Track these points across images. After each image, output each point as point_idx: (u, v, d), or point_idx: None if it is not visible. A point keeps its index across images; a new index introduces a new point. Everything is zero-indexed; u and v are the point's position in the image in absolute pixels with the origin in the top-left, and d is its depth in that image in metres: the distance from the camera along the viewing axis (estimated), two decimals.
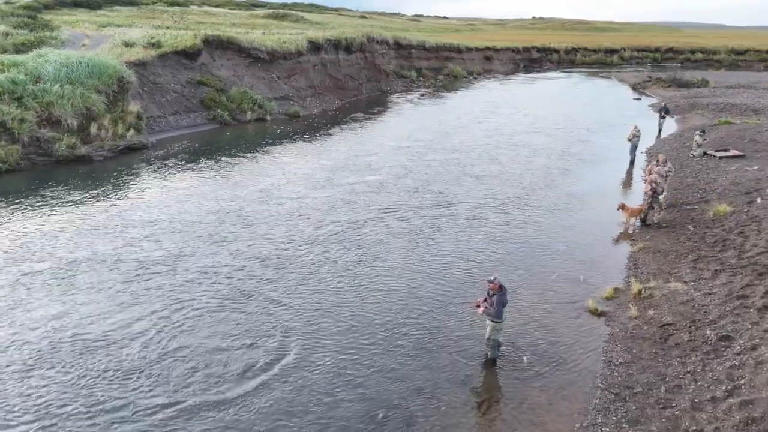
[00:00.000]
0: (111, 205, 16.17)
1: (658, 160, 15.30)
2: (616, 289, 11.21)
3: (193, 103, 28.69)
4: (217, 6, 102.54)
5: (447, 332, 9.87)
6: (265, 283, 11.55)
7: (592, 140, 26.53)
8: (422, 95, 43.74)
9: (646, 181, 14.81)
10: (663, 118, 28.81)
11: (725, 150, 21.25)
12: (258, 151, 23.42)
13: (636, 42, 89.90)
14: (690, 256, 12.30)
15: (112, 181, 18.72)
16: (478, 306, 8.91)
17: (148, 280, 11.55)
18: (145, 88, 26.80)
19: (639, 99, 42.76)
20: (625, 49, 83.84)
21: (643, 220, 14.86)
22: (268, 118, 30.72)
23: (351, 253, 13.13)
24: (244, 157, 22.36)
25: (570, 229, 14.85)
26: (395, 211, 16.05)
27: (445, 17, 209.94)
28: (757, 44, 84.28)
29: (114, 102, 23.67)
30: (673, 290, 10.65)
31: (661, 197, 14.69)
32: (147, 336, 9.49)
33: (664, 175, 14.76)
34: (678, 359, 8.63)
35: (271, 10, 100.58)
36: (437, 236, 14.23)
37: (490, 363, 9.02)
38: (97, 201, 16.51)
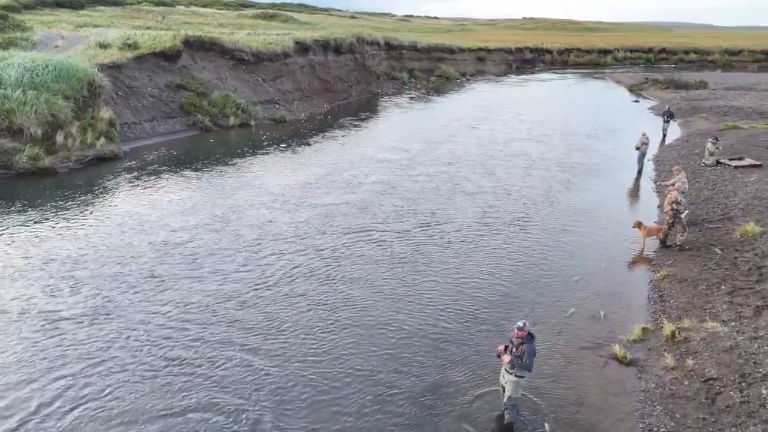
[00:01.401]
0: (47, 234, 13.69)
1: (672, 173, 13.86)
2: (644, 329, 9.71)
3: (172, 108, 26.96)
4: (204, 6, 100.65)
5: (446, 390, 8.32)
6: (207, 345, 9.20)
7: (594, 148, 24.96)
8: (413, 98, 42.19)
9: (668, 194, 13.32)
10: (667, 122, 27.54)
11: (740, 158, 19.90)
12: (235, 163, 21.45)
13: (629, 42, 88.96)
14: (723, 286, 10.84)
15: (68, 199, 16.41)
16: (502, 354, 7.38)
17: (52, 338, 9.25)
18: (119, 93, 25.05)
19: (637, 101, 41.52)
20: (618, 50, 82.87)
21: (662, 242, 13.41)
22: (253, 123, 29.04)
23: (322, 294, 11.02)
24: (219, 169, 20.40)
25: (580, 252, 13.35)
26: (377, 237, 14.02)
27: (435, 17, 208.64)
28: (750, 45, 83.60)
29: (84, 108, 21.91)
30: (712, 332, 9.17)
31: (683, 215, 13.23)
32: None
33: (674, 187, 13.31)
34: (732, 428, 7.15)
35: (259, 10, 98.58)
36: (426, 267, 12.38)
37: (507, 430, 7.50)
38: (37, 228, 14.10)
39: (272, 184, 18.55)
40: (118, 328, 9.68)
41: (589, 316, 10.41)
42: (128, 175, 19.23)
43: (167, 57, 28.30)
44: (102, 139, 21.25)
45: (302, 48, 37.45)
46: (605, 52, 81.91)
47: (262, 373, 8.56)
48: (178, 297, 10.78)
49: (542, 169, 20.93)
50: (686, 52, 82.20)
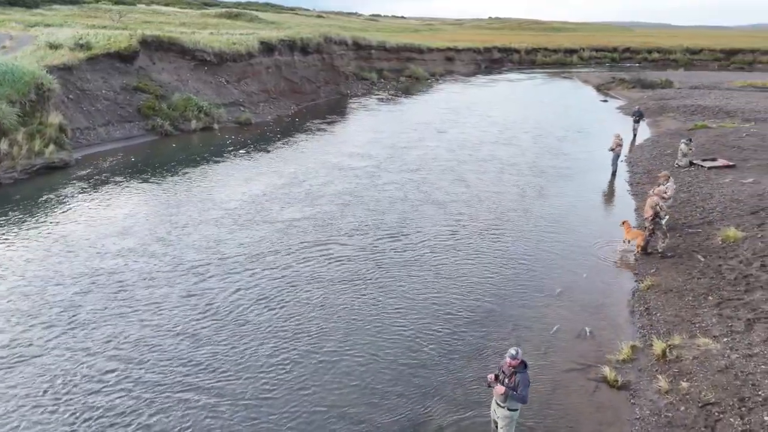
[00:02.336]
0: None
1: (659, 181, 13.44)
2: (633, 348, 9.15)
3: (128, 112, 25.56)
4: (167, 5, 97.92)
5: (427, 425, 7.57)
6: (142, 387, 8.03)
7: (565, 150, 24.39)
8: (382, 100, 41.45)
9: (649, 198, 12.87)
10: (637, 122, 27.49)
11: (713, 159, 19.76)
12: (191, 171, 19.91)
13: (594, 42, 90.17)
14: (710, 297, 10.39)
15: (1, 216, 15.00)
16: (493, 383, 6.65)
17: None
18: (70, 96, 23.58)
19: (606, 101, 41.67)
20: (584, 49, 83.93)
21: (643, 249, 12.95)
22: (216, 126, 27.83)
23: (277, 323, 9.86)
24: (173, 179, 18.95)
25: (559, 262, 12.78)
26: (338, 255, 12.76)
27: (403, 17, 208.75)
28: (710, 44, 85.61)
29: (31, 113, 20.47)
30: (705, 350, 8.66)
31: (663, 221, 12.80)
32: None
33: (667, 196, 12.88)
34: None
35: (224, 10, 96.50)
36: (395, 286, 11.41)
37: None
38: None
39: (227, 196, 17.04)
40: (29, 376, 8.39)
41: (574, 334, 9.80)
42: (76, 186, 17.89)
43: (123, 58, 26.84)
44: (51, 147, 19.87)
45: (268, 48, 36.28)
46: (571, 51, 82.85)
47: (210, 417, 7.63)
48: (105, 334, 9.45)
49: (514, 174, 20.22)
50: (649, 52, 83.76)
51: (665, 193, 13.20)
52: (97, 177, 18.97)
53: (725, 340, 8.91)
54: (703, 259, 12.03)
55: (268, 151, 23.59)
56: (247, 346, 9.23)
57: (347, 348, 9.27)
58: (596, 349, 9.33)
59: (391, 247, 13.45)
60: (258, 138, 26.19)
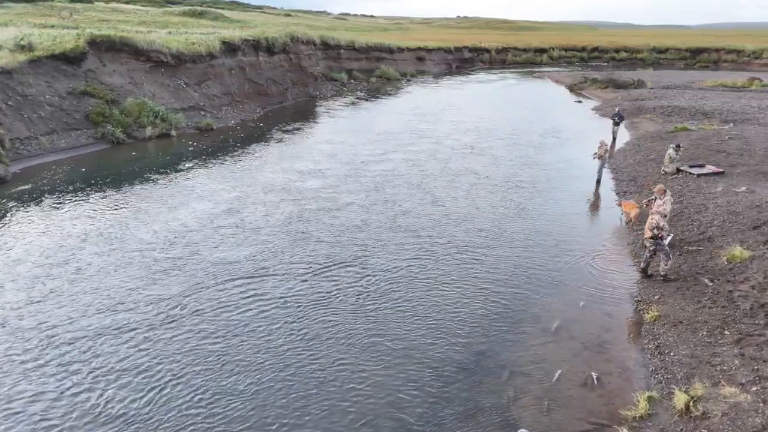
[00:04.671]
0: None
1: (654, 196, 12.28)
2: (650, 399, 7.87)
3: (75, 119, 23.44)
4: (127, 2, 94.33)
5: None
6: None
7: (544, 160, 22.48)
8: (351, 103, 39.92)
9: (650, 218, 11.69)
10: (617, 125, 26.62)
11: (701, 166, 18.84)
12: (124, 191, 17.50)
13: (563, 41, 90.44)
14: (727, 332, 9.22)
15: None
16: None
17: None
18: (9, 102, 21.40)
19: (580, 101, 41.00)
20: (553, 49, 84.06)
21: (643, 270, 11.79)
22: (174, 133, 25.88)
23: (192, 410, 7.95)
24: (103, 197, 16.84)
25: (552, 291, 11.48)
26: (282, 306, 10.42)
27: (372, 16, 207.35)
28: (676, 43, 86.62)
29: None
30: (734, 404, 7.44)
31: (666, 241, 11.65)
32: None
33: (666, 212, 11.72)
34: None
35: (187, 8, 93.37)
36: (360, 340, 9.51)
37: None
38: None
39: (152, 230, 14.19)
40: None
41: (579, 381, 8.49)
42: (8, 205, 15.89)
43: (69, 60, 24.65)
44: None
45: (230, 48, 34.33)
46: (541, 51, 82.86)
47: None
48: None
49: (490, 190, 18.12)
50: (617, 51, 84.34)
51: (662, 207, 12.05)
52: (33, 194, 16.98)
53: (754, 389, 7.71)
54: (710, 284, 10.90)
55: (222, 164, 21.21)
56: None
57: (307, 420, 7.76)
58: (607, 401, 8.04)
59: (351, 289, 11.25)
60: (217, 146, 24.29)
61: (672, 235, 12.47)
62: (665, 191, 12.39)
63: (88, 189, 17.66)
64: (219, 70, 32.91)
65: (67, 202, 16.38)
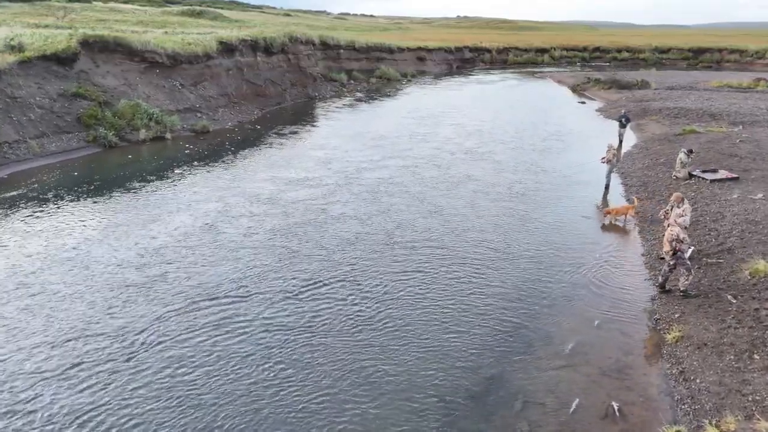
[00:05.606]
0: None
1: (671, 206, 11.58)
2: None
3: (67, 122, 22.74)
4: (125, 2, 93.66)
5: None
6: None
7: (549, 165, 21.41)
8: (350, 104, 39.24)
9: (668, 230, 11.00)
10: (623, 127, 25.84)
11: (713, 171, 18.17)
12: (111, 199, 16.58)
13: (564, 41, 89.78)
14: (757, 356, 8.53)
15: None
16: None
17: None
18: None
19: (583, 102, 40.30)
20: (555, 49, 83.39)
21: (661, 286, 11.11)
22: (169, 136, 25.18)
23: None
24: (87, 207, 15.85)
25: (564, 305, 10.83)
26: (272, 331, 9.54)
27: (372, 16, 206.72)
28: (679, 42, 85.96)
29: None
30: None
31: (687, 254, 10.96)
32: None
33: (687, 224, 11.03)
34: None
35: (186, 7, 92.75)
36: (359, 362, 8.92)
37: None
38: None
39: (127, 246, 12.98)
40: None
41: (599, 412, 7.81)
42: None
43: (61, 61, 23.95)
44: None
45: (227, 48, 33.63)
46: (542, 51, 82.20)
47: None
48: None
49: (493, 199, 17.15)
50: (618, 51, 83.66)
51: (681, 218, 11.37)
52: (18, 201, 16.26)
53: None
54: (734, 301, 10.22)
55: (216, 170, 20.20)
56: None
57: None
58: None
59: (344, 310, 10.32)
60: (212, 150, 23.54)
61: (693, 247, 11.81)
62: (683, 199, 11.73)
63: (72, 197, 16.83)
64: (216, 70, 32.22)
65: (49, 211, 15.64)
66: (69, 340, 9.28)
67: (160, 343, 9.27)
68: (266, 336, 9.53)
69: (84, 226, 14.45)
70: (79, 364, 8.69)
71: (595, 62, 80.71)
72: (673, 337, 9.43)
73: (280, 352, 9.08)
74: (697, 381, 8.29)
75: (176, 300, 10.68)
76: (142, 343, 9.25)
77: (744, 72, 60.42)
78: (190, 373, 8.52)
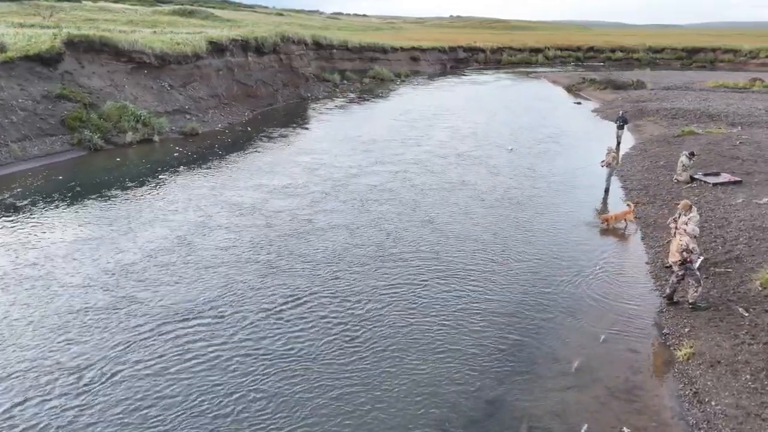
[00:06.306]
0: None
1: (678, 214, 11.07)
2: None
3: (50, 124, 22.02)
4: (115, 2, 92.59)
5: None
6: None
7: (544, 170, 20.66)
8: (343, 105, 38.64)
9: (678, 239, 10.48)
10: (621, 128, 25.41)
11: (716, 174, 17.74)
12: (89, 207, 15.73)
13: (558, 41, 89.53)
14: None
15: None
16: None
17: None
18: None
19: (579, 103, 39.92)
20: (549, 48, 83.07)
21: (669, 297, 10.61)
22: (156, 138, 24.49)
23: None
24: (61, 217, 14.90)
25: (567, 325, 10.25)
26: (252, 359, 8.83)
27: (365, 15, 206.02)
28: (672, 42, 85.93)
29: None
30: None
31: (696, 264, 10.47)
32: None
33: (696, 233, 10.51)
34: None
35: (177, 6, 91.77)
36: (349, 385, 8.24)
37: None
38: None
39: (91, 271, 11.74)
40: None
41: None
42: None
43: (44, 61, 23.22)
44: None
45: (218, 48, 32.96)
46: (536, 50, 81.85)
47: None
48: None
49: (490, 206, 16.46)
50: (612, 51, 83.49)
51: (690, 227, 10.87)
52: None
53: None
54: (746, 314, 9.73)
55: (199, 175, 19.37)
56: None
57: None
58: None
59: (331, 331, 9.60)
60: (200, 153, 22.83)
61: (702, 257, 11.33)
62: (691, 206, 11.22)
63: (47, 206, 15.92)
64: (206, 71, 31.55)
65: (20, 221, 14.91)
66: (13, 374, 8.37)
67: (115, 374, 8.38)
68: (239, 363, 8.85)
69: (52, 239, 13.51)
70: (23, 402, 7.76)
71: (589, 62, 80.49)
72: (684, 354, 8.92)
73: (254, 381, 8.41)
74: (713, 403, 7.78)
75: (141, 324, 9.83)
76: (99, 376, 8.36)
77: (738, 72, 60.30)
78: (151, 407, 7.76)
